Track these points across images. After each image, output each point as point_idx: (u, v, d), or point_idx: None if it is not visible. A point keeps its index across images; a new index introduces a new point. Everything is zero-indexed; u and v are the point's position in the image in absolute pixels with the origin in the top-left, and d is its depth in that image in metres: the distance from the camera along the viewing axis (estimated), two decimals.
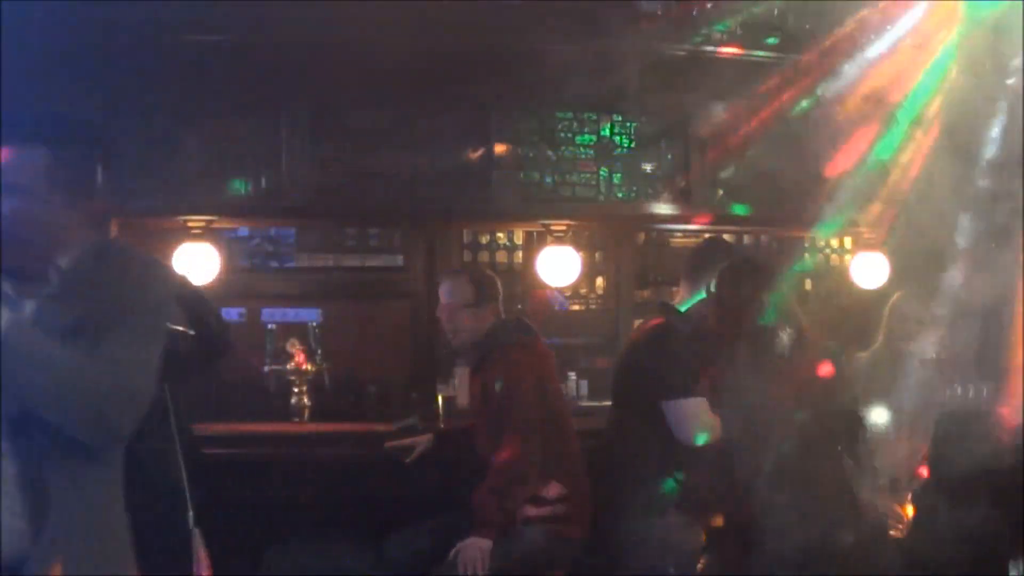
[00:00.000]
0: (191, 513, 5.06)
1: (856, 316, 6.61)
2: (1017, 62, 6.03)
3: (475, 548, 5.04)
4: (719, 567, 5.15)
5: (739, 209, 6.82)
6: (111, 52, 5.64)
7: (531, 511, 5.21)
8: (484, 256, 7.13)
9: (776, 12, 6.33)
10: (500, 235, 7.16)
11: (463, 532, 5.10)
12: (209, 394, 6.42)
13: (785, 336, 4.99)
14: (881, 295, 6.61)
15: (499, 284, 5.67)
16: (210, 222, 6.30)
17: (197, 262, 6.24)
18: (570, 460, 5.39)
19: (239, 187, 6.22)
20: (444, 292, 5.66)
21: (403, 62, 5.77)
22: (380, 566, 5.47)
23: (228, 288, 6.59)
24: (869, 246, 7.18)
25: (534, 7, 5.92)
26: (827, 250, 7.65)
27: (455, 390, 6.50)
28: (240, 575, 5.62)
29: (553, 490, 5.25)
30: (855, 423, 5.20)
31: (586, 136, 6.70)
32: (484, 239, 7.14)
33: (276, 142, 6.23)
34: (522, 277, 7.05)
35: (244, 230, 6.85)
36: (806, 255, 7.57)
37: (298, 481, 5.93)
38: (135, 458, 4.89)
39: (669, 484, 5.09)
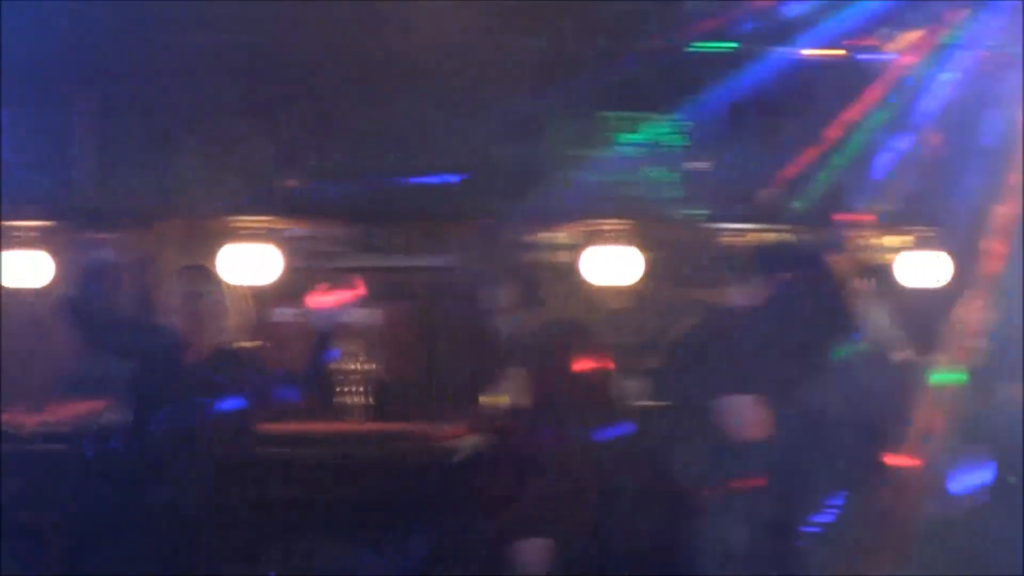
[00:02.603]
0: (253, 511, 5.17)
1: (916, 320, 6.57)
2: None
3: (532, 549, 5.09)
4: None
5: (796, 209, 6.79)
6: (173, 51, 5.70)
7: None
8: (537, 257, 7.14)
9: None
10: (553, 235, 7.16)
11: (517, 532, 5.14)
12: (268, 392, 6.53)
13: (844, 339, 5.01)
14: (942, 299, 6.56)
15: (542, 285, 5.70)
16: (268, 222, 6.35)
17: (255, 263, 6.31)
18: None
19: (297, 187, 6.27)
20: (490, 293, 5.70)
21: (455, 62, 5.80)
22: (435, 565, 5.53)
23: (286, 288, 6.67)
24: (927, 246, 7.12)
25: (587, 7, 5.93)
26: (885, 250, 7.59)
27: (506, 390, 6.53)
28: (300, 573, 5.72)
29: None
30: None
31: (637, 136, 6.69)
32: (537, 239, 7.15)
33: (331, 143, 6.28)
34: (574, 277, 7.05)
35: (302, 230, 6.91)
36: (866, 255, 7.51)
37: (352, 480, 5.99)
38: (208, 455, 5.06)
39: (722, 484, 5.11)
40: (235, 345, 5.31)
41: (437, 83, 6.09)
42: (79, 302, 5.50)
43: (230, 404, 5.22)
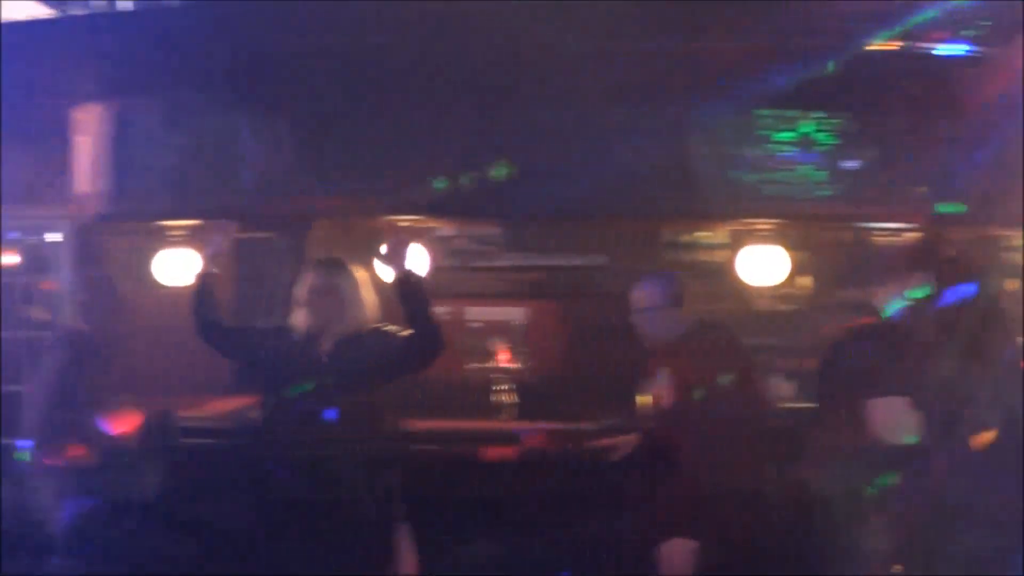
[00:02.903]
0: (398, 508, 5.21)
1: None
2: None
3: (678, 550, 5.06)
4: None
5: (947, 208, 6.64)
6: (325, 52, 5.76)
7: None
8: (686, 255, 7.09)
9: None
10: (702, 234, 7.10)
11: (664, 533, 5.11)
12: (415, 391, 6.58)
13: (994, 335, 4.89)
14: None
15: (689, 285, 5.67)
16: (417, 221, 6.39)
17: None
18: None
19: (446, 186, 6.29)
20: (640, 294, 5.68)
21: (606, 61, 5.77)
22: (580, 563, 5.52)
23: (434, 286, 6.70)
24: None
25: (733, 6, 5.87)
26: None
27: (659, 389, 6.49)
28: (442, 571, 5.74)
29: None
30: None
31: (786, 133, 6.60)
32: (686, 238, 7.10)
33: (481, 141, 6.28)
34: (725, 277, 6.98)
35: (450, 229, 6.96)
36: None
37: (500, 478, 6.01)
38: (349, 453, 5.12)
39: (872, 488, 5.02)
40: (373, 339, 5.36)
41: (588, 83, 6.07)
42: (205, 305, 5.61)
43: (369, 399, 5.28)
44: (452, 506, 5.82)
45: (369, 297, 5.37)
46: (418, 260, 6.40)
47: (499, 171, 6.17)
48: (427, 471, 5.72)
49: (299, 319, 5.34)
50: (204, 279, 5.63)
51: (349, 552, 5.15)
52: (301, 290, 5.34)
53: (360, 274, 5.42)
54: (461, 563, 5.89)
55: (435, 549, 5.56)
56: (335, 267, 5.38)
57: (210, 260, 5.69)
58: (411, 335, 5.22)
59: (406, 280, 5.23)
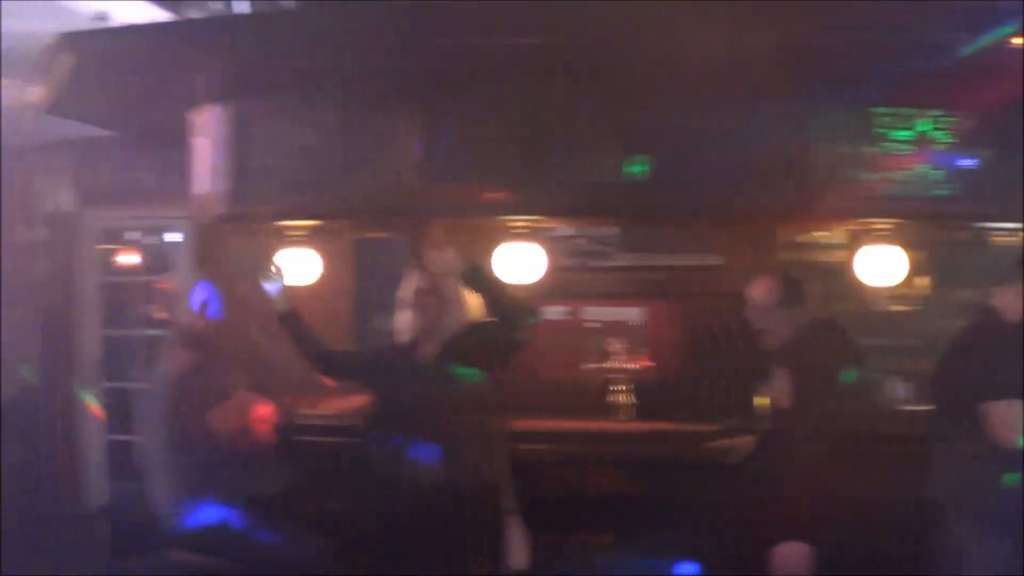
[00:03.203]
0: (509, 504, 5.21)
1: None
2: None
3: (792, 555, 5.01)
4: None
5: None
6: (446, 51, 5.78)
7: None
8: (802, 255, 7.02)
9: None
10: (818, 234, 7.03)
11: (782, 537, 5.07)
12: (531, 390, 6.59)
13: None
14: None
15: (805, 285, 5.63)
16: (533, 221, 6.39)
17: (520, 261, 6.36)
18: None
19: (561, 186, 6.27)
20: (754, 293, 5.65)
21: (721, 59, 5.72)
22: (694, 566, 5.49)
23: (551, 287, 6.72)
24: None
25: (854, 4, 5.79)
26: None
27: (777, 391, 6.43)
28: (556, 571, 5.74)
29: None
30: None
31: (904, 132, 6.49)
32: (802, 238, 7.03)
33: (597, 140, 6.26)
34: (841, 277, 6.90)
35: (567, 229, 6.96)
36: None
37: (617, 479, 6.00)
38: (460, 450, 5.13)
39: (993, 491, 4.95)
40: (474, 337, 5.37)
41: (705, 82, 6.02)
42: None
43: (478, 398, 5.29)
44: (567, 507, 5.83)
45: (473, 296, 5.40)
46: (535, 260, 6.42)
47: (616, 171, 6.14)
48: (543, 472, 5.74)
49: (405, 320, 5.39)
50: (284, 317, 5.69)
51: (462, 550, 5.17)
52: (406, 291, 5.39)
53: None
54: (575, 563, 5.89)
55: (549, 549, 5.57)
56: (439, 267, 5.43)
57: (282, 299, 5.74)
58: (495, 326, 5.28)
59: (473, 275, 5.29)
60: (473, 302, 5.36)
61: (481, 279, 5.31)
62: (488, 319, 5.32)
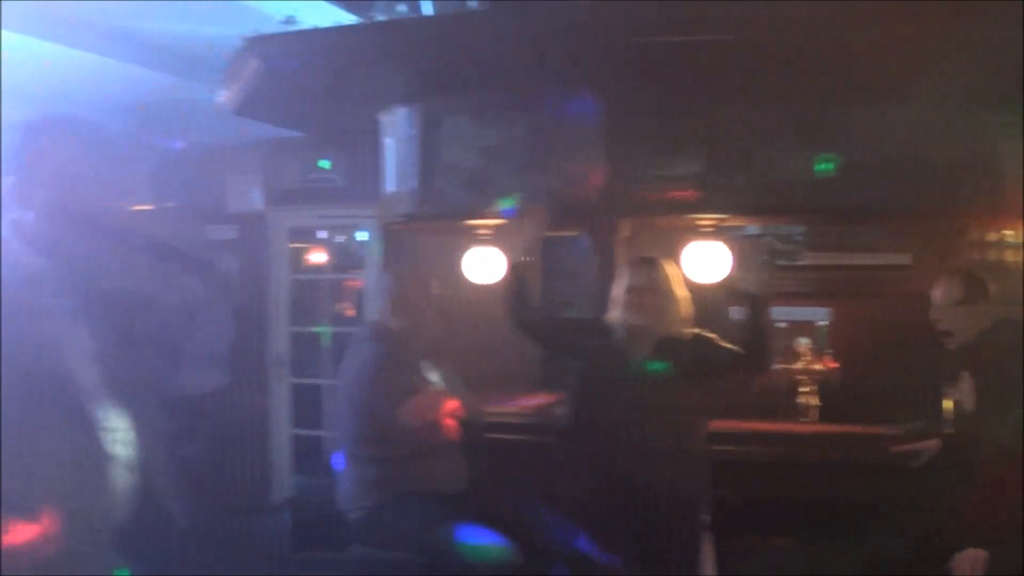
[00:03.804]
0: (704, 509, 5.20)
1: None
2: None
3: (972, 558, 4.90)
4: None
5: None
6: (616, 51, 5.77)
7: None
8: (992, 254, 6.84)
9: None
10: (1009, 232, 6.84)
11: (965, 543, 4.96)
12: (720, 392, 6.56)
13: None
14: None
15: (990, 285, 5.50)
16: (720, 220, 6.35)
17: (707, 260, 6.33)
18: None
19: (751, 184, 6.22)
20: (937, 292, 5.57)
21: (911, 56, 5.61)
22: (876, 569, 5.41)
23: (737, 286, 6.66)
24: None
25: None
26: None
27: (963, 393, 6.30)
28: (745, 573, 5.71)
29: None
30: None
31: None
32: (992, 237, 6.85)
33: (780, 138, 6.19)
34: None
35: (754, 228, 6.90)
36: None
37: (802, 481, 5.93)
38: (657, 453, 5.13)
39: None
40: (693, 342, 5.36)
41: (890, 79, 5.93)
42: (521, 299, 5.71)
43: (683, 400, 5.28)
44: (755, 508, 5.80)
45: (684, 297, 5.40)
46: (721, 259, 6.39)
47: (804, 169, 6.08)
48: (730, 474, 5.71)
49: (616, 317, 5.40)
50: (518, 268, 5.77)
51: (655, 552, 5.17)
52: (619, 288, 5.40)
53: (673, 272, 5.45)
54: (764, 566, 5.85)
55: (739, 551, 5.54)
56: (653, 266, 5.42)
57: (525, 248, 5.83)
58: (743, 348, 5.31)
59: (757, 299, 5.36)
60: (685, 303, 5.38)
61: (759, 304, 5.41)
62: (701, 328, 5.36)
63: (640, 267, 5.44)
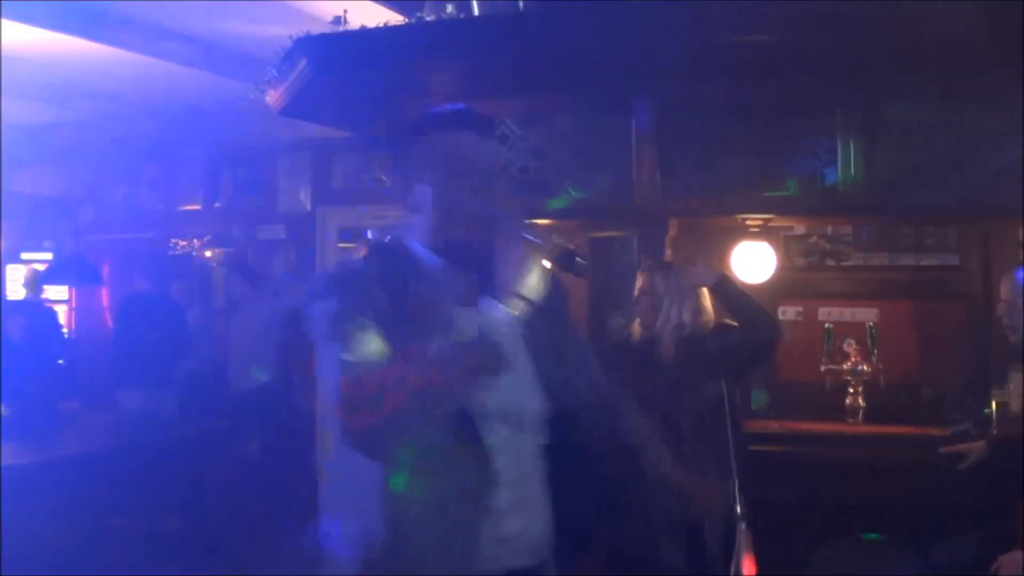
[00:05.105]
0: (740, 509, 5.17)
1: None
2: None
3: (1018, 563, 4.87)
4: None
5: None
6: (665, 52, 5.77)
7: None
8: None
9: None
10: None
11: (1010, 545, 4.93)
12: (766, 392, 6.56)
13: None
14: None
15: None
16: (767, 220, 6.35)
17: (754, 260, 6.33)
18: None
19: (796, 185, 6.21)
20: (1005, 288, 5.52)
21: (950, 53, 5.59)
22: (923, 572, 5.39)
23: (785, 286, 6.68)
24: None
25: None
26: None
27: (1011, 395, 6.27)
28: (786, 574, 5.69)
29: None
30: None
31: None
32: None
33: (823, 139, 6.17)
34: None
35: (801, 228, 6.90)
36: None
37: (849, 482, 5.92)
38: (691, 451, 5.12)
39: None
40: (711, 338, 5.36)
41: (939, 80, 5.92)
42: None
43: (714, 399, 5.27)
44: (797, 510, 5.78)
45: (702, 296, 5.40)
46: (768, 260, 6.39)
47: (851, 169, 6.06)
48: (775, 474, 5.69)
49: (637, 321, 5.44)
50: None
51: (690, 552, 5.16)
52: (635, 293, 5.45)
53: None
54: (803, 568, 5.83)
55: (778, 553, 5.52)
56: (659, 269, 5.45)
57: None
58: (742, 329, 5.32)
59: (721, 283, 5.34)
60: (703, 302, 5.39)
61: (728, 288, 5.34)
62: (732, 324, 5.35)
63: (647, 271, 5.48)
